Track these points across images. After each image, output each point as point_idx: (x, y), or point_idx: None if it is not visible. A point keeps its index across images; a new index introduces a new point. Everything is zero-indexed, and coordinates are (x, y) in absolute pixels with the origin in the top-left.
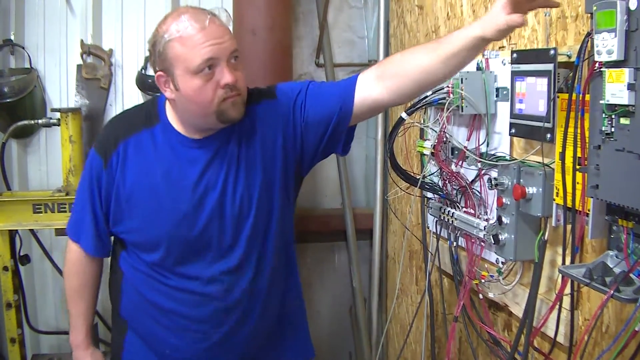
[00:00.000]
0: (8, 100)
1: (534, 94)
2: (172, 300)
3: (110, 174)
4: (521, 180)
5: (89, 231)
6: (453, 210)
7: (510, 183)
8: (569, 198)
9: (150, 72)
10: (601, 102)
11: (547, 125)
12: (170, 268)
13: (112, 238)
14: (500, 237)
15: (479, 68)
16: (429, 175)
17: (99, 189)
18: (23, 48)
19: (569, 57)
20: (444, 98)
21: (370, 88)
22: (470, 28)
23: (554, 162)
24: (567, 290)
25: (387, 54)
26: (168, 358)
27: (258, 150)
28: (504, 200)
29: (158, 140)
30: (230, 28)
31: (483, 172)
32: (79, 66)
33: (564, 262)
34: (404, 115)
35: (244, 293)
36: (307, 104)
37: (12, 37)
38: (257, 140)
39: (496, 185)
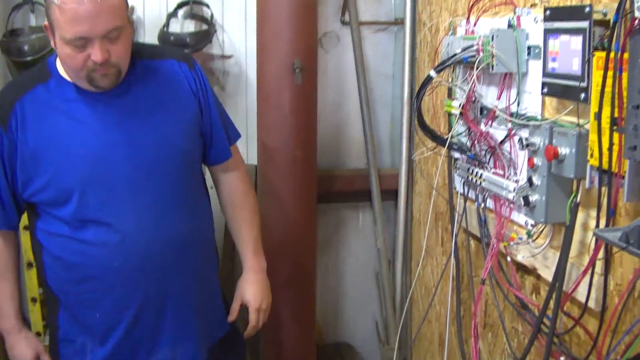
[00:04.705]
0: (28, 59)
1: (568, 53)
2: (90, 258)
3: (10, 138)
4: (553, 141)
5: None
6: (481, 171)
7: (542, 143)
8: (605, 159)
9: (172, 29)
10: None
11: (582, 84)
12: (85, 219)
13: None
14: (530, 198)
15: (510, 25)
16: (457, 135)
17: (1, 156)
18: (42, 5)
19: (605, 15)
20: (474, 56)
21: (218, 174)
22: (246, 254)
23: (588, 122)
24: (600, 254)
25: (413, 13)
26: (99, 327)
27: (167, 96)
28: (535, 161)
29: (54, 92)
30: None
31: (513, 132)
32: None
33: (597, 225)
34: (432, 73)
35: (168, 239)
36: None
37: None
38: (164, 90)
39: (527, 145)
